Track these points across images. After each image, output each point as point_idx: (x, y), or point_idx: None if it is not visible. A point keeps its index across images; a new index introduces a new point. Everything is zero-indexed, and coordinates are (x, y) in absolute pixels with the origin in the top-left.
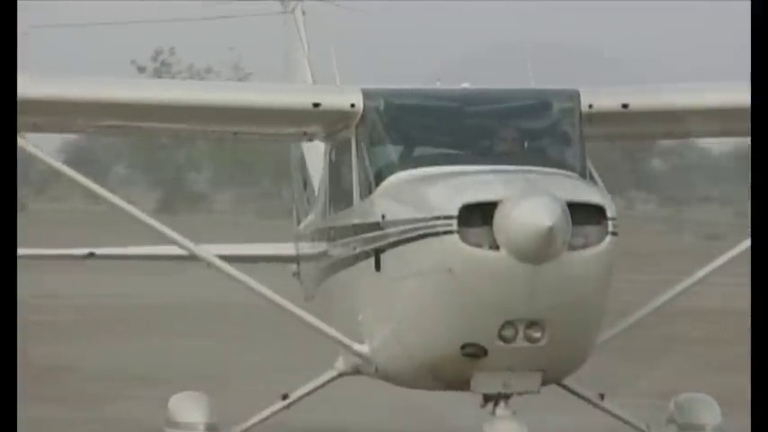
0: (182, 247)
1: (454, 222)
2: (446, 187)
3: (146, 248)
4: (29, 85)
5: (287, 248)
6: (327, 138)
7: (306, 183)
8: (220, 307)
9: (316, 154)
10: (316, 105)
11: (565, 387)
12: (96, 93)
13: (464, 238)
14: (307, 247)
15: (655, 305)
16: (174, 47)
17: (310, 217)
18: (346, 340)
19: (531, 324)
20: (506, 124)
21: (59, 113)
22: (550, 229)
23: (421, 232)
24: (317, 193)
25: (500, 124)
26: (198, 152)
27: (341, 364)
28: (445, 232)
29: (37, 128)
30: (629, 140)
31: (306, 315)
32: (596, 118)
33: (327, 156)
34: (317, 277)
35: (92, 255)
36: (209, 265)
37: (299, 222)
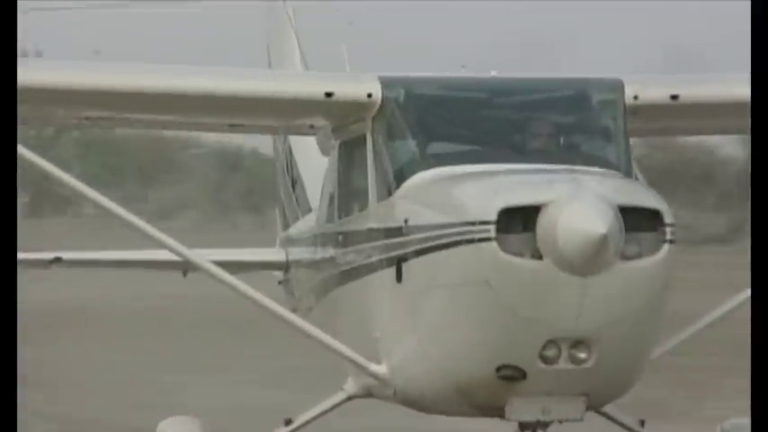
0: (174, 252)
1: (492, 228)
2: (481, 188)
3: (119, 253)
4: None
5: (273, 254)
6: (336, 131)
7: (294, 182)
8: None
9: (306, 149)
10: (328, 95)
11: (601, 413)
12: (83, 80)
13: (503, 247)
14: (302, 253)
15: (708, 320)
16: (41, 49)
17: (306, 220)
18: (360, 359)
19: (577, 343)
20: (542, 118)
21: (41, 103)
22: (604, 237)
23: (452, 239)
24: (320, 193)
25: (535, 118)
26: (66, 154)
27: (351, 386)
28: (481, 239)
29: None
30: (677, 135)
31: (314, 330)
32: (642, 111)
33: (336, 151)
34: (318, 287)
35: (58, 260)
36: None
37: (286, 226)
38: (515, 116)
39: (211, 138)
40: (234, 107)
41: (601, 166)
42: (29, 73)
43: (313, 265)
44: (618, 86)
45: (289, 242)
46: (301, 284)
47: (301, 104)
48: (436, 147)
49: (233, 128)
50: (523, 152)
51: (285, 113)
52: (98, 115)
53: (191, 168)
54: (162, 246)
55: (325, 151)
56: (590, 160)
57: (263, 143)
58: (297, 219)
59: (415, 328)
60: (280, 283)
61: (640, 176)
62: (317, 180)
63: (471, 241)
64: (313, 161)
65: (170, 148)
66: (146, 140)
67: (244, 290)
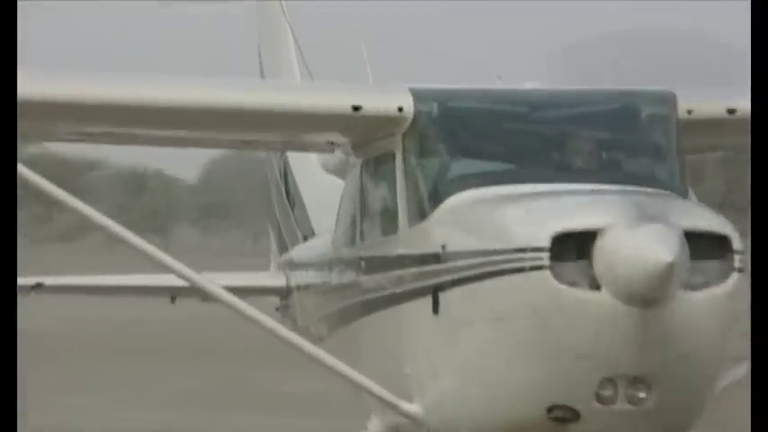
0: (182, 276)
1: (545, 256)
2: (531, 211)
3: (108, 279)
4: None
5: (270, 278)
6: (357, 148)
7: (293, 201)
8: None
9: (306, 166)
10: (355, 109)
11: None
12: (84, 92)
13: (557, 276)
14: (309, 279)
15: None
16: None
17: (313, 242)
18: (390, 397)
19: (636, 381)
20: (589, 133)
21: (40, 118)
22: (670, 266)
23: (499, 267)
24: (336, 214)
25: (581, 133)
26: None
27: (376, 425)
28: (533, 268)
29: None
30: (733, 152)
31: (337, 363)
32: (696, 126)
33: (357, 170)
34: (333, 317)
35: (39, 286)
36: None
37: (284, 249)
38: (560, 131)
39: (116, 159)
40: (251, 122)
41: (654, 187)
42: (26, 84)
43: (326, 291)
44: (670, 99)
45: (290, 266)
46: (308, 312)
47: (325, 119)
48: (475, 165)
49: (245, 144)
50: (570, 171)
51: (306, 129)
52: (102, 131)
53: (96, 190)
54: (171, 271)
55: (329, 168)
56: (642, 180)
57: (168, 164)
58: (297, 241)
59: (454, 364)
60: (277, 309)
61: (694, 197)
62: (319, 200)
63: (521, 270)
64: (314, 179)
65: (75, 169)
66: (51, 161)
67: (256, 317)
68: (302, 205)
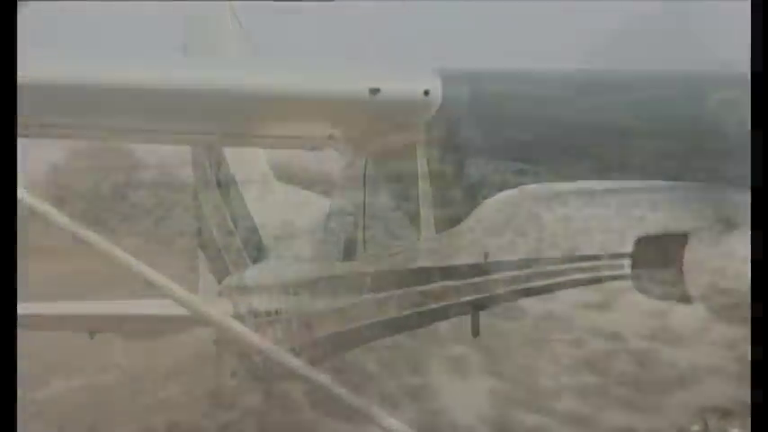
0: (180, 302)
1: (626, 264)
2: (603, 211)
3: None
4: None
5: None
6: (358, 142)
7: (236, 219)
8: None
9: (255, 176)
10: (373, 92)
11: None
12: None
13: (640, 288)
14: (274, 304)
15: None
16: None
17: (276, 263)
18: None
19: (728, 414)
20: (650, 121)
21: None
22: None
23: (564, 279)
24: (326, 225)
25: (641, 122)
26: None
27: None
28: (611, 278)
29: None
30: None
31: (348, 395)
32: None
33: (361, 170)
34: (322, 345)
35: None
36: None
37: (223, 272)
38: (615, 119)
39: None
40: (243, 110)
41: (729, 184)
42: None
43: (307, 317)
44: (743, 82)
45: (240, 291)
46: (274, 342)
47: (338, 105)
48: (518, 159)
49: (229, 139)
50: (630, 166)
51: (310, 118)
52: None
53: None
54: (168, 296)
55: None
56: (715, 176)
57: None
58: (243, 263)
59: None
60: (215, 342)
61: None
62: (276, 218)
63: (596, 280)
64: (268, 193)
65: None
66: None
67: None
68: (252, 223)
